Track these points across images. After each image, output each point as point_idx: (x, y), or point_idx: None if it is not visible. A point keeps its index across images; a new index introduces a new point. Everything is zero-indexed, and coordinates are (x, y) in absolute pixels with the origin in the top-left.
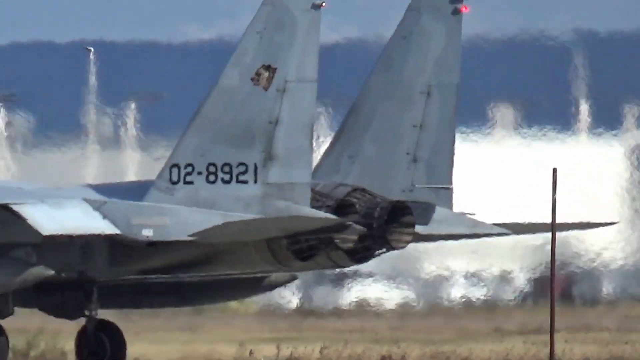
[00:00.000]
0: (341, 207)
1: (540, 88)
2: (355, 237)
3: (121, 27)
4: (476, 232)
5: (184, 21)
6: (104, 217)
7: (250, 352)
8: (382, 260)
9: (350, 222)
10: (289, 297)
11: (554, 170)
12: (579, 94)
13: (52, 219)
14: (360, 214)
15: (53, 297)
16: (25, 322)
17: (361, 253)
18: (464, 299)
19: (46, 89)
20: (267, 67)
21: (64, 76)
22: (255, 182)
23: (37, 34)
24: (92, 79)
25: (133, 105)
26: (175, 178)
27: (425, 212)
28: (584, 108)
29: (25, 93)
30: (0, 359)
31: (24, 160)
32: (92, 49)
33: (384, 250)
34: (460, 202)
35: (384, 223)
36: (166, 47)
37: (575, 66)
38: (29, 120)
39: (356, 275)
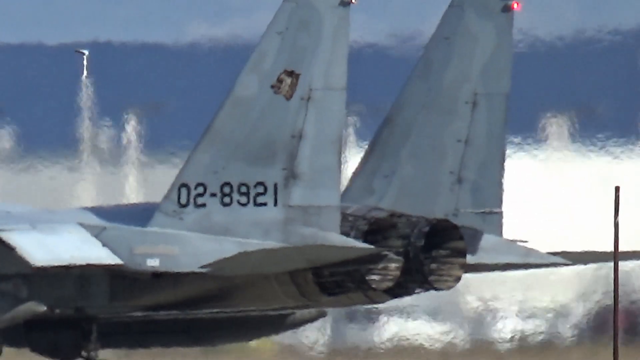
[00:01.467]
0: (376, 232)
1: (601, 95)
2: (394, 273)
3: (119, 27)
4: (528, 261)
5: (192, 19)
6: (104, 245)
7: None
8: (422, 293)
9: (387, 252)
10: (316, 335)
11: (617, 189)
12: None
13: (44, 247)
14: (401, 238)
15: (46, 336)
16: None
17: (397, 290)
18: (514, 337)
19: (34, 98)
20: (290, 73)
21: (55, 83)
22: (276, 204)
23: (23, 34)
24: (87, 87)
25: (133, 116)
26: (184, 200)
27: (472, 239)
28: None
29: (11, 103)
30: None
31: (10, 180)
32: (86, 52)
33: (423, 290)
34: (511, 228)
35: (421, 252)
36: (171, 49)
37: None
38: (14, 134)
39: (392, 309)
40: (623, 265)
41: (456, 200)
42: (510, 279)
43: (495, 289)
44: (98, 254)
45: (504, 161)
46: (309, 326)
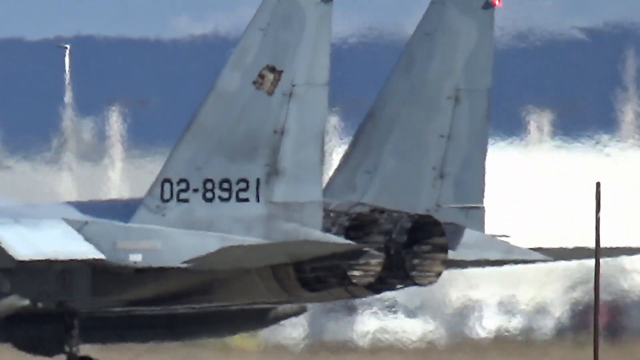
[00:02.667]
0: (357, 228)
1: (582, 90)
2: (375, 269)
3: (101, 21)
4: (510, 257)
5: (174, 14)
6: (86, 239)
7: None
8: (403, 288)
9: (368, 248)
10: (297, 330)
11: (598, 185)
12: (626, 97)
13: (28, 242)
14: (382, 234)
15: (28, 331)
16: None
17: (378, 286)
18: (495, 333)
19: (16, 93)
20: (272, 69)
21: (37, 78)
22: (258, 200)
23: (5, 30)
24: (69, 81)
25: (116, 111)
26: (167, 195)
27: (454, 235)
28: (633, 113)
29: None
30: None
31: None
32: (69, 47)
33: (405, 285)
34: (493, 223)
35: (403, 247)
36: (153, 44)
37: (623, 65)
38: None
39: (373, 305)
40: (604, 261)
41: (438, 195)
42: (492, 275)
43: (477, 285)
44: (81, 249)
45: (486, 156)
46: (290, 321)
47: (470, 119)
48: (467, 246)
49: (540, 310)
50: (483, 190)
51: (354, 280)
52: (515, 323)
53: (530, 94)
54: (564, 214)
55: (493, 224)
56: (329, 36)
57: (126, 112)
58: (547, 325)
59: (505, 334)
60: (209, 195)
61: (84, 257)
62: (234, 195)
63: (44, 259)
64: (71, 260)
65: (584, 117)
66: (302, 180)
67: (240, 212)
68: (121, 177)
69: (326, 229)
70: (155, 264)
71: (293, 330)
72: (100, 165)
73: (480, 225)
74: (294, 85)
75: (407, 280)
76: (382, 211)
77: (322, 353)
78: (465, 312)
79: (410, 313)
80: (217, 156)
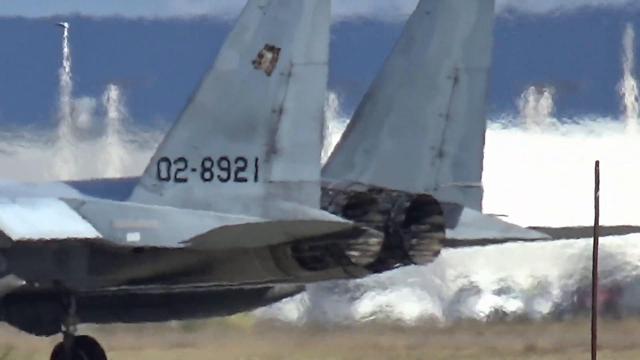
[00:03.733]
0: (355, 207)
1: (582, 70)
2: (374, 248)
3: (100, 1)
4: (509, 236)
5: None
6: (83, 218)
7: None
8: (400, 268)
9: (367, 227)
10: (295, 309)
11: (597, 164)
12: (626, 76)
13: (24, 221)
14: (381, 213)
15: (25, 310)
16: None
17: (376, 265)
18: (493, 313)
19: (13, 72)
20: (271, 48)
21: (34, 57)
22: (256, 179)
23: (2, 8)
24: (67, 60)
25: (114, 90)
26: (164, 175)
27: (452, 213)
28: (633, 93)
29: None
30: None
31: None
32: (67, 25)
33: (402, 264)
34: (491, 202)
35: (401, 227)
36: (151, 23)
37: (624, 44)
38: None
39: (371, 284)
40: (603, 240)
41: (436, 174)
42: (490, 254)
43: (475, 264)
44: (78, 228)
45: (484, 136)
46: (287, 301)
47: (469, 98)
48: (465, 225)
49: (538, 289)
50: (481, 170)
51: (352, 260)
52: (513, 302)
53: (529, 73)
54: (562, 193)
55: (491, 204)
56: (328, 15)
57: (124, 91)
58: (545, 304)
59: (503, 313)
60: (207, 174)
61: (81, 237)
62: (232, 174)
63: (40, 238)
64: (68, 240)
65: (584, 96)
66: (301, 160)
67: (239, 191)
68: (119, 156)
69: (324, 208)
70: (153, 243)
71: (291, 309)
72: (98, 144)
73: (478, 204)
74: (292, 65)
75: (405, 259)
76: (380, 190)
77: (320, 332)
78: (463, 291)
79: (408, 293)
80: (216, 135)
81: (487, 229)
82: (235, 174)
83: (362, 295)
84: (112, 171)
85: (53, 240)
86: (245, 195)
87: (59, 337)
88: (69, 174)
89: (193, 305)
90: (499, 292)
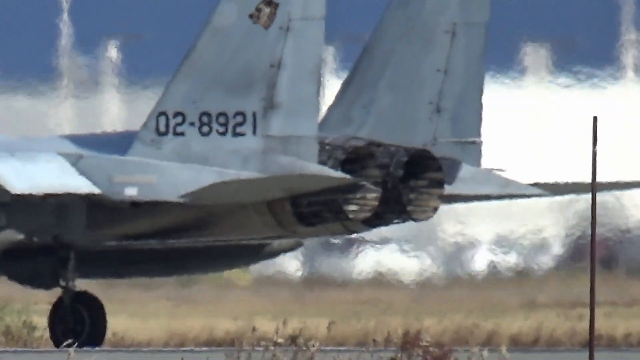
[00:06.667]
0: (353, 161)
1: (580, 25)
2: (372, 203)
3: None
4: (507, 192)
5: None
6: (81, 173)
7: (254, 329)
8: (399, 224)
9: (365, 183)
10: (292, 265)
11: (595, 119)
12: (625, 31)
13: (23, 175)
14: (379, 168)
15: (24, 265)
16: None
17: (374, 221)
18: (490, 268)
19: (12, 27)
20: (269, 3)
21: (33, 11)
22: (255, 134)
23: None
24: (65, 15)
25: (113, 46)
26: (162, 129)
27: (450, 169)
28: (631, 48)
29: None
30: None
31: None
32: None
33: (401, 220)
34: (489, 158)
35: (399, 182)
36: None
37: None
38: None
39: (368, 240)
40: (601, 195)
41: (435, 130)
42: (488, 210)
43: (473, 220)
44: (76, 183)
45: (482, 91)
46: (285, 257)
47: (466, 53)
48: (463, 181)
49: (537, 245)
50: (480, 125)
51: (350, 215)
52: (511, 258)
53: (527, 28)
54: (560, 149)
55: (489, 159)
56: None
57: (122, 46)
58: (543, 260)
59: (501, 269)
60: (205, 129)
61: (79, 191)
62: (230, 129)
63: (39, 192)
64: (66, 194)
65: (582, 51)
66: (299, 114)
67: (237, 145)
68: (117, 110)
69: (322, 163)
70: (151, 197)
71: (289, 265)
72: (96, 98)
73: (477, 159)
74: (290, 20)
75: (404, 215)
76: (378, 145)
77: (317, 288)
78: (461, 247)
79: (407, 248)
80: (214, 90)
81: (486, 185)
82: (234, 128)
83: (360, 251)
84: (110, 126)
85: (51, 195)
86: (244, 149)
87: (56, 291)
88: (68, 127)
89: (191, 260)
90: (498, 247)
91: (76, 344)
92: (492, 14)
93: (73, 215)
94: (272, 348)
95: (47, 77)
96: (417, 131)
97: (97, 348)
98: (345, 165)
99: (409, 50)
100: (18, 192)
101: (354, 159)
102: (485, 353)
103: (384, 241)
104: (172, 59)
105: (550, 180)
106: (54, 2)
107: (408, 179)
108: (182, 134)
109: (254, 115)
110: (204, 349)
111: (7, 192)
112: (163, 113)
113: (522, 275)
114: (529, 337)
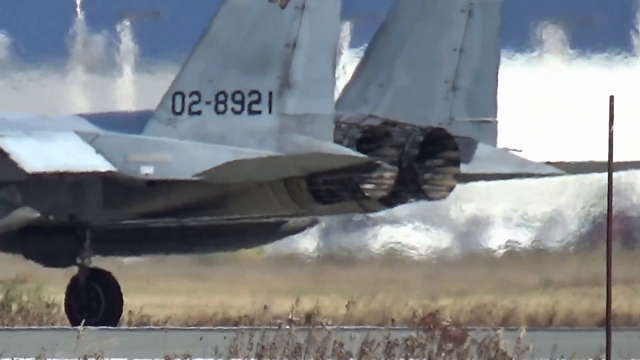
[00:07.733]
0: (369, 140)
1: (596, 4)
2: (388, 182)
3: None
4: (523, 171)
5: None
6: (97, 152)
7: (265, 307)
8: (415, 202)
9: (381, 162)
10: (309, 243)
11: (611, 98)
12: None
13: (39, 154)
14: (395, 147)
15: (40, 243)
16: (4, 270)
17: (390, 199)
18: (506, 247)
19: (26, 6)
20: None
21: None
22: (271, 112)
23: None
24: None
25: (128, 24)
26: (178, 108)
27: (466, 148)
28: None
29: (3, 10)
30: None
31: (4, 87)
32: None
33: (417, 199)
34: (505, 137)
35: (415, 161)
36: None
37: None
38: (6, 42)
39: (384, 218)
40: (617, 174)
41: (451, 108)
42: (504, 189)
43: (489, 199)
44: (92, 162)
45: (498, 70)
46: (301, 235)
47: (483, 32)
48: (479, 160)
49: (553, 224)
50: (496, 104)
51: (366, 194)
52: (527, 237)
53: (544, 7)
54: (577, 128)
55: (505, 138)
56: None
57: (138, 25)
58: (560, 238)
59: (517, 247)
60: (221, 107)
61: (96, 170)
62: (246, 107)
63: (55, 171)
64: (83, 173)
65: (598, 30)
66: (314, 93)
67: (253, 124)
68: (133, 89)
69: (338, 142)
70: (167, 176)
71: (305, 243)
72: (112, 77)
73: (493, 139)
74: None
75: (420, 194)
76: (394, 124)
77: (334, 266)
78: (477, 226)
79: (422, 227)
80: (230, 69)
81: (502, 164)
82: (249, 107)
83: (376, 229)
84: (126, 104)
85: (67, 173)
86: (260, 128)
87: (73, 271)
88: (83, 106)
89: (207, 239)
90: (515, 226)
91: (84, 326)
92: None
93: (89, 194)
94: (287, 327)
95: (62, 56)
96: (433, 110)
97: (115, 327)
98: (361, 144)
99: (425, 29)
100: (33, 171)
101: (370, 138)
102: (500, 332)
103: (401, 219)
104: (188, 38)
105: (566, 159)
106: None
107: (424, 158)
108: (198, 112)
109: (270, 94)
110: (221, 327)
111: (22, 170)
112: (179, 92)
113: (538, 253)
114: (546, 316)
